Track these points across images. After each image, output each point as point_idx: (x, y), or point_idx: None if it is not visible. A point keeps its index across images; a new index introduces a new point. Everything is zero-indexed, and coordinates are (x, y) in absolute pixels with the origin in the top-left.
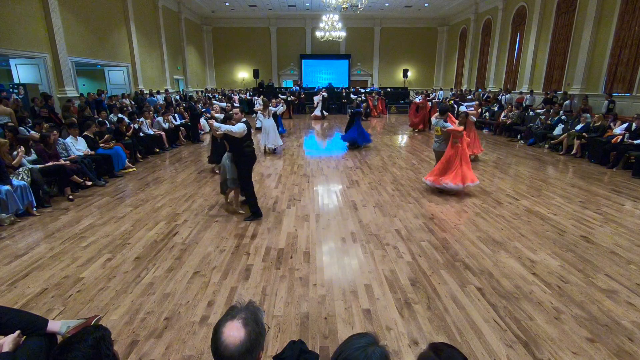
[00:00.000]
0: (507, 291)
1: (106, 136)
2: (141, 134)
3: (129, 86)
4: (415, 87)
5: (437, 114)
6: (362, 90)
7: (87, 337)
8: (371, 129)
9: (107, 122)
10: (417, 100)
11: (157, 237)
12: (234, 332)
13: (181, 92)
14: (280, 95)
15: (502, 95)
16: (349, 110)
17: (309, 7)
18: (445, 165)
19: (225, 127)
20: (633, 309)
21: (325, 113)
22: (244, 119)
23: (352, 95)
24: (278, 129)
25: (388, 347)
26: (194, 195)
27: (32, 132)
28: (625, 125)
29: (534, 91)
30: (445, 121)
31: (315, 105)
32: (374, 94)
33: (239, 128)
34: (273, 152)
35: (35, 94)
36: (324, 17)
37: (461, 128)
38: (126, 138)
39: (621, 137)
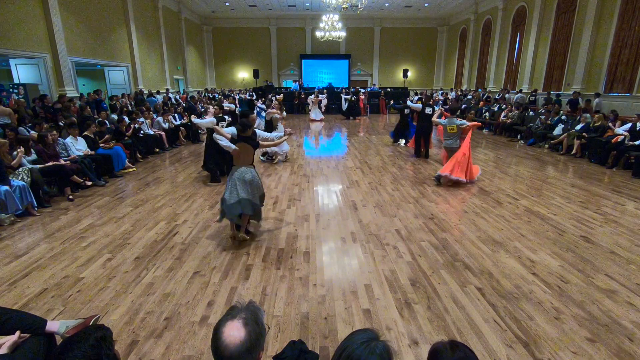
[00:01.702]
0: (507, 291)
1: (106, 136)
2: (141, 134)
3: (129, 86)
4: (415, 87)
5: (436, 115)
6: (362, 90)
7: (88, 337)
8: (369, 128)
9: (107, 122)
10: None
11: (157, 237)
12: (234, 332)
13: (183, 95)
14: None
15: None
16: (406, 111)
17: (309, 7)
18: (465, 161)
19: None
20: (633, 309)
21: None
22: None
23: (344, 96)
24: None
25: (390, 342)
26: (194, 195)
27: (32, 132)
28: (628, 125)
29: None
30: (456, 119)
31: (310, 107)
32: (362, 94)
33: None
34: (270, 159)
35: (35, 94)
36: (324, 17)
37: (479, 123)
38: (126, 138)
39: (622, 137)
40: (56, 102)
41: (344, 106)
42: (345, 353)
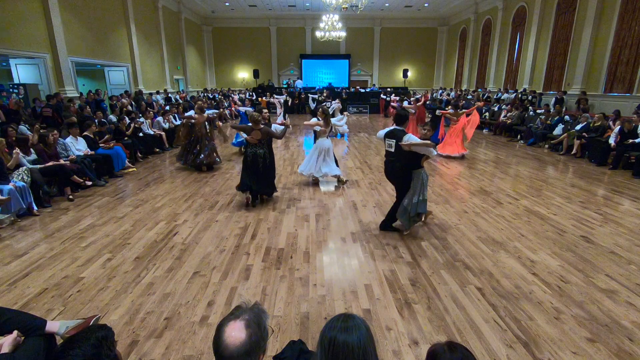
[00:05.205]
0: (507, 291)
1: (106, 136)
2: (141, 134)
3: (129, 86)
4: (415, 87)
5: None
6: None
7: (89, 337)
8: (370, 127)
9: (106, 122)
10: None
11: (157, 237)
12: (235, 333)
13: (183, 94)
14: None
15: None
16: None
17: (309, 7)
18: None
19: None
20: (633, 309)
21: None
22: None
23: (311, 96)
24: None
25: (358, 315)
26: (194, 195)
27: (27, 132)
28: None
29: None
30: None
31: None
32: (324, 93)
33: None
34: (344, 182)
35: (35, 94)
36: (324, 17)
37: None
38: (126, 138)
39: (616, 138)
40: (58, 101)
41: (312, 106)
42: (333, 344)
